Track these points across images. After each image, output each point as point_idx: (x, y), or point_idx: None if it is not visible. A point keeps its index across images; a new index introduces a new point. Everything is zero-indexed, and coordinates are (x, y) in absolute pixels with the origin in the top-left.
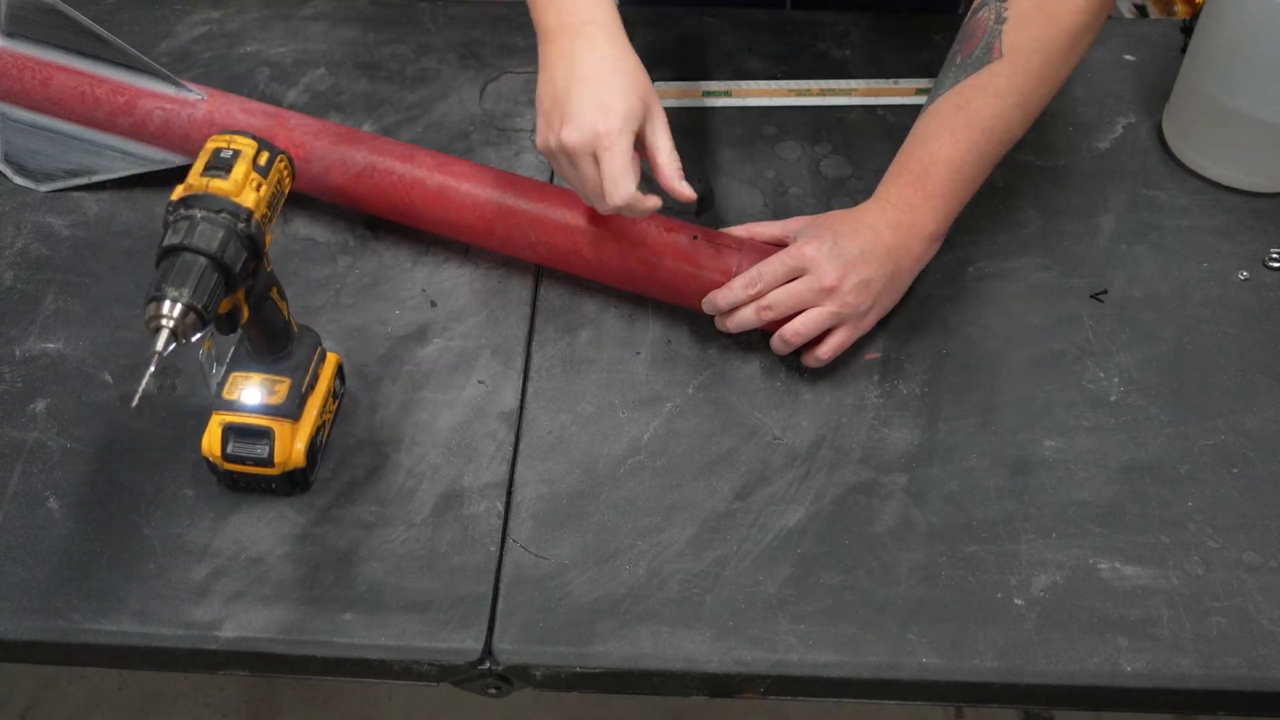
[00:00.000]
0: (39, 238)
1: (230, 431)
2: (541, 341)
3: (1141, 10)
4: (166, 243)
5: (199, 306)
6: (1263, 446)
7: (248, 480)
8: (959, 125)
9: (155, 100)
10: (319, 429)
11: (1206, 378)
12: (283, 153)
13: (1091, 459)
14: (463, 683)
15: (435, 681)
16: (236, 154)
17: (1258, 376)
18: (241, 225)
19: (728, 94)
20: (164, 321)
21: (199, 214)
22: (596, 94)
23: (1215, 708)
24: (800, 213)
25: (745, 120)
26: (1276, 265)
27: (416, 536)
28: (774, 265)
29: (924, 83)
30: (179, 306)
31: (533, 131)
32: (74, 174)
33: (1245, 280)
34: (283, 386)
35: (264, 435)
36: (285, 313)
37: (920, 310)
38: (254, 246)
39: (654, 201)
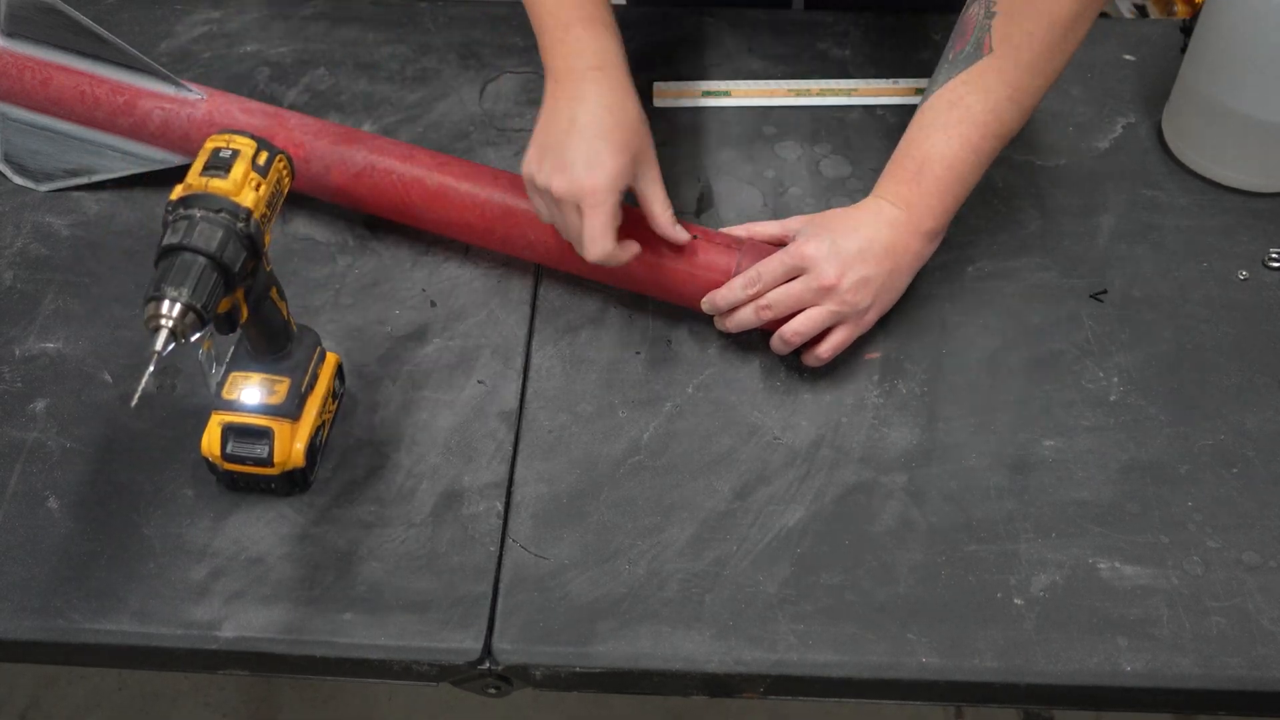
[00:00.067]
0: (39, 237)
1: (230, 431)
2: (541, 341)
3: (1141, 10)
4: (165, 242)
5: (198, 306)
6: (1262, 446)
7: (247, 480)
8: (952, 122)
9: (155, 100)
10: (319, 429)
11: (1206, 378)
12: (282, 152)
13: (1091, 459)
14: (462, 683)
15: (435, 681)
16: (235, 153)
17: (1258, 376)
18: (241, 225)
19: (727, 94)
20: (163, 321)
21: (198, 213)
22: (593, 148)
23: (1215, 707)
24: (800, 213)
25: (745, 120)
26: (1276, 265)
27: (416, 536)
28: (773, 265)
29: (924, 83)
30: (178, 306)
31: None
32: (74, 174)
33: (1245, 280)
34: (282, 386)
35: (263, 435)
36: (285, 312)
37: (920, 310)
38: (253, 246)
39: (631, 252)
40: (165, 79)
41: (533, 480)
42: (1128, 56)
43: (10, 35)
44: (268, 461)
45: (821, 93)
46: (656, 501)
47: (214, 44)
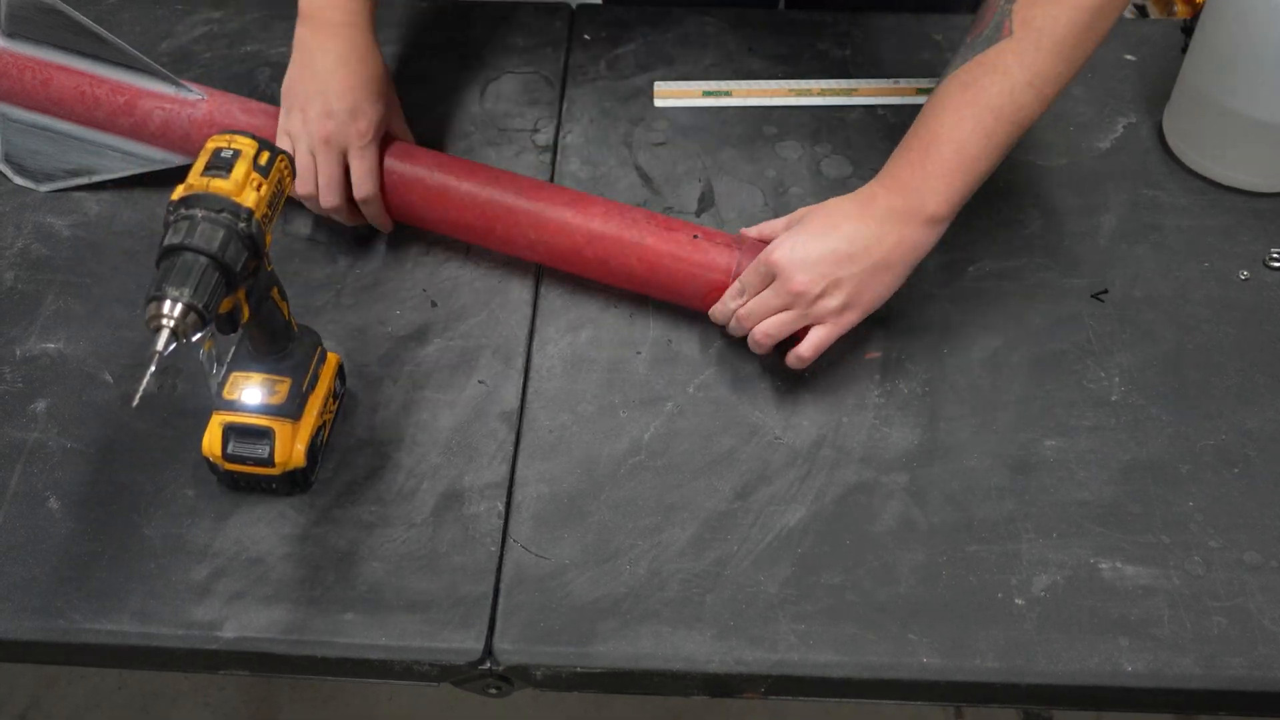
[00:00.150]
0: (39, 238)
1: (231, 431)
2: (542, 341)
3: (1141, 10)
4: (167, 242)
5: (199, 306)
6: (1263, 446)
7: (248, 480)
8: (964, 104)
9: (155, 100)
10: (319, 429)
11: (1207, 377)
12: (284, 152)
13: (1092, 459)
14: (463, 683)
15: (436, 681)
16: (237, 154)
17: (1258, 376)
18: (242, 225)
19: (728, 94)
20: (164, 321)
21: (199, 214)
22: (356, 96)
23: (1216, 708)
24: None
25: (746, 120)
26: (1277, 265)
27: (417, 536)
28: (750, 274)
29: (925, 83)
30: (179, 306)
31: (534, 131)
32: (74, 174)
33: (1246, 280)
34: (283, 386)
35: (264, 435)
36: (286, 312)
37: (921, 310)
38: (254, 246)
39: (379, 202)
40: (166, 79)
41: (533, 480)
42: (1128, 56)
43: (10, 35)
44: (269, 462)
45: (822, 93)
46: (657, 501)
47: (214, 44)
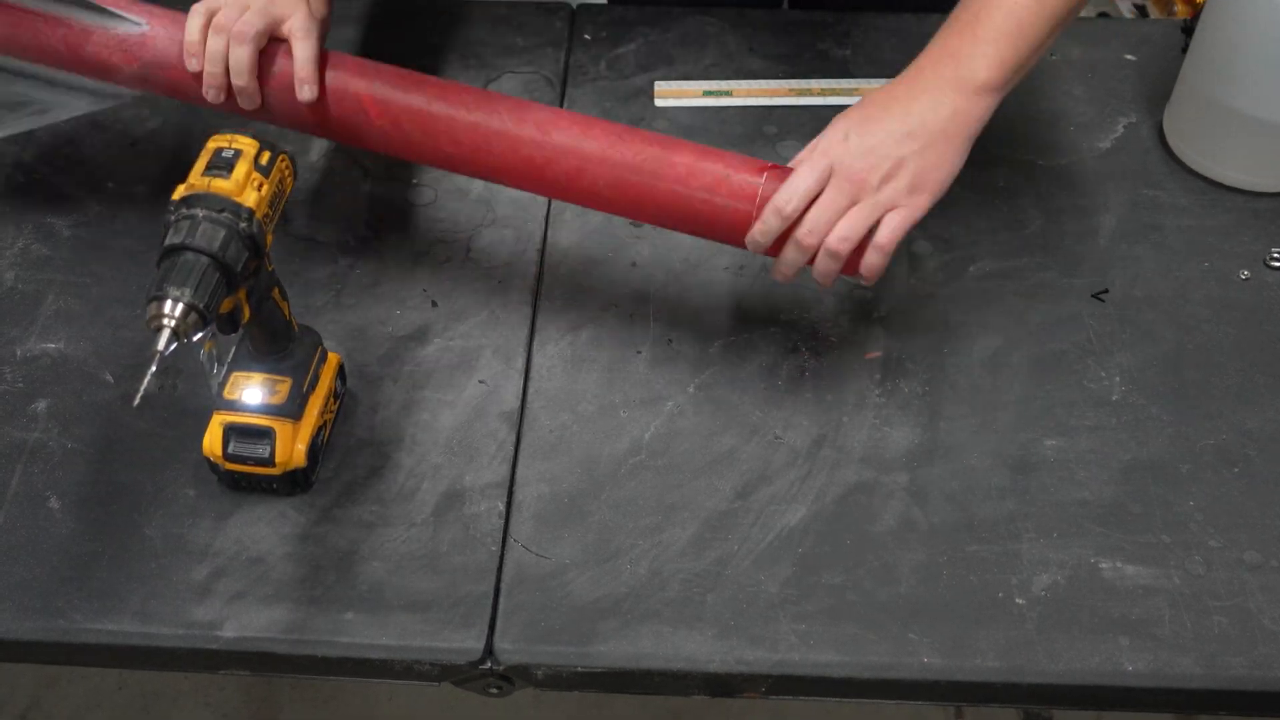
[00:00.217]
0: (40, 237)
1: (231, 431)
2: (542, 341)
3: (1142, 10)
4: (168, 242)
5: (200, 306)
6: (1264, 446)
7: (249, 480)
8: None
9: (97, 33)
10: (320, 429)
11: (1207, 377)
12: (285, 151)
13: (1093, 458)
14: (464, 682)
15: (436, 681)
16: (238, 153)
17: (1258, 376)
18: (243, 225)
19: (729, 93)
20: (165, 321)
21: (200, 213)
22: None
23: (1216, 707)
24: None
25: (746, 119)
26: (1277, 265)
27: (417, 536)
28: (800, 177)
29: None
30: (180, 306)
31: None
32: (23, 115)
33: (1246, 280)
34: (284, 386)
35: (265, 435)
36: (286, 312)
37: (922, 310)
38: (255, 246)
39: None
40: (103, 12)
41: (534, 480)
42: (1129, 56)
43: None
44: (269, 461)
45: (823, 92)
46: (658, 501)
47: None
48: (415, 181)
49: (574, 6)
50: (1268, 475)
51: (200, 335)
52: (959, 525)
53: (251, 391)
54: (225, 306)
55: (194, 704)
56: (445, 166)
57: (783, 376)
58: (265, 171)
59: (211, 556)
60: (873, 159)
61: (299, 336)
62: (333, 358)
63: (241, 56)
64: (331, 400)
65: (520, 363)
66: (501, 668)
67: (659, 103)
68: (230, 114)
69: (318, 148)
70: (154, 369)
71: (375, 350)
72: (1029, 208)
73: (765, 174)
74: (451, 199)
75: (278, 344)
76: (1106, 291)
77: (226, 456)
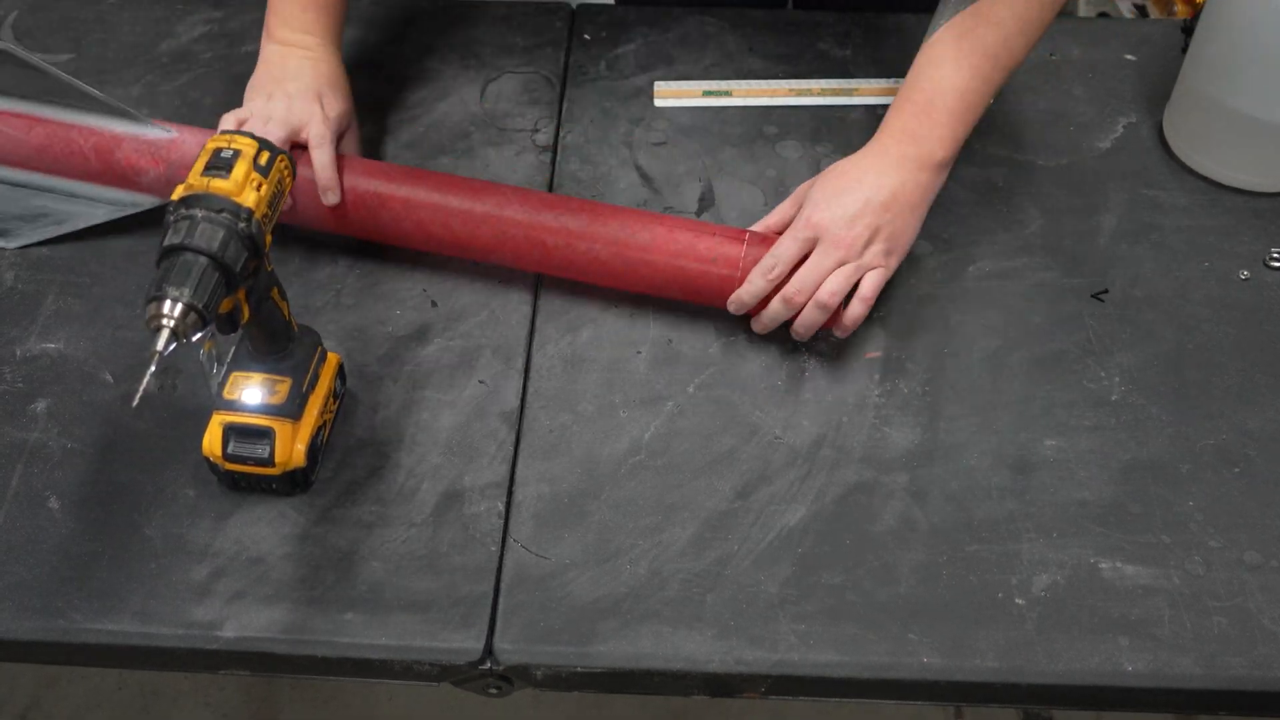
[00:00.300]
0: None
1: (231, 431)
2: (542, 341)
3: (1141, 10)
4: (167, 242)
5: (199, 306)
6: (1264, 446)
7: (248, 480)
8: (963, 53)
9: (125, 142)
10: (320, 429)
11: (1207, 377)
12: (284, 152)
13: (1092, 458)
14: (463, 683)
15: (436, 681)
16: (237, 153)
17: (1258, 376)
18: (242, 225)
19: (728, 94)
20: (164, 321)
21: (199, 214)
22: (314, 92)
23: (1216, 708)
24: None
25: (746, 120)
26: (1277, 265)
27: (417, 536)
28: (786, 245)
29: None
30: (179, 306)
31: (534, 131)
32: (43, 226)
33: (1246, 280)
34: (284, 386)
35: (265, 435)
36: (286, 312)
37: (921, 310)
38: (254, 246)
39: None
40: (133, 119)
41: (534, 480)
42: (1129, 56)
43: None
44: (269, 461)
45: (822, 92)
46: (658, 501)
47: (215, 44)
48: None
49: (574, 6)
50: (1268, 475)
51: (200, 335)
52: (959, 525)
53: (251, 391)
54: (224, 306)
55: (194, 704)
56: (450, 252)
57: (783, 376)
58: (264, 171)
59: (211, 556)
60: (857, 227)
61: (298, 336)
62: (332, 358)
63: None
64: (331, 400)
65: (520, 363)
66: (501, 668)
67: (659, 103)
68: None
69: None
70: (153, 369)
71: (375, 350)
72: (1029, 208)
73: (745, 243)
74: None
75: (277, 344)
76: (1106, 291)
77: (226, 456)
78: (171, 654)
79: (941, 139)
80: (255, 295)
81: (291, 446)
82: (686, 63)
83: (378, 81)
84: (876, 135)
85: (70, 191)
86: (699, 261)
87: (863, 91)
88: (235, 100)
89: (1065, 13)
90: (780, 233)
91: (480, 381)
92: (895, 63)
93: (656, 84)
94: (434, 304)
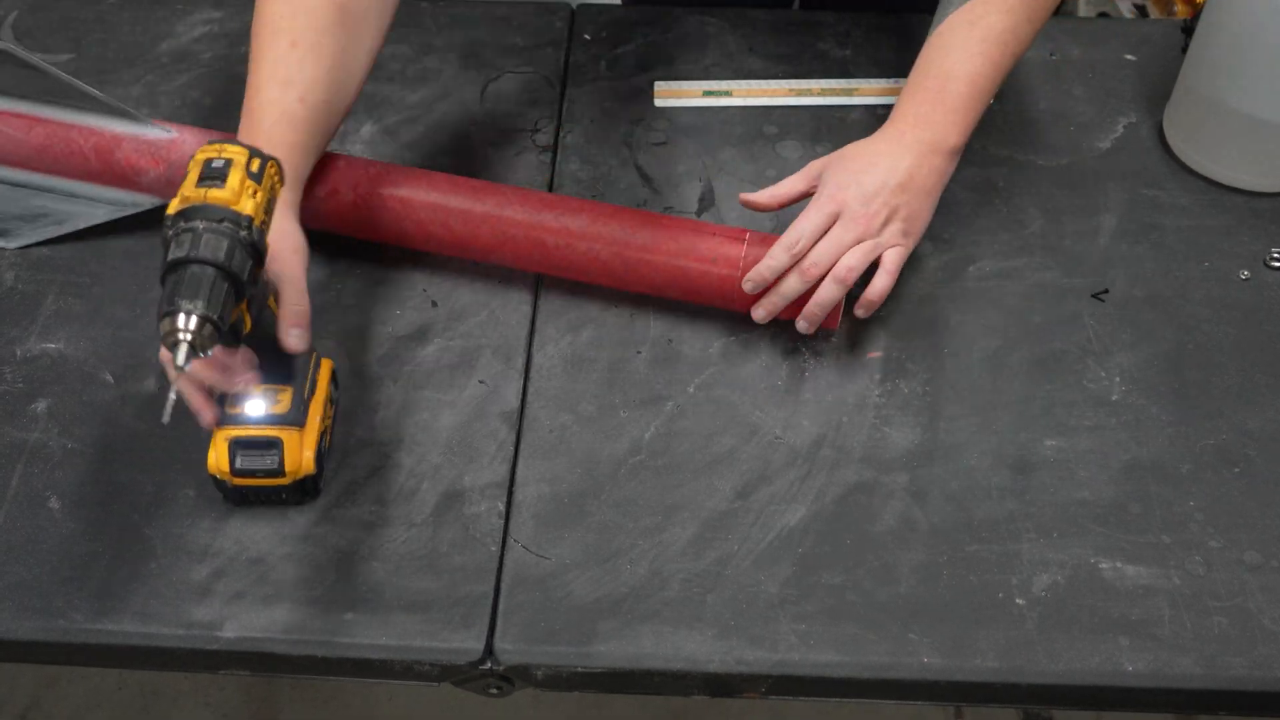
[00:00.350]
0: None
1: (237, 446)
2: (542, 341)
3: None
4: (172, 257)
5: (214, 317)
6: (1264, 446)
7: (257, 493)
8: (974, 40)
9: (126, 142)
10: (323, 434)
11: (1208, 377)
12: (272, 158)
13: (1093, 458)
14: (463, 683)
15: (436, 681)
16: (229, 162)
17: (1259, 376)
18: (244, 233)
19: (728, 94)
20: (182, 336)
21: (200, 225)
22: (286, 229)
23: (1216, 708)
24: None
25: (746, 120)
26: (1277, 265)
27: (417, 536)
28: (809, 220)
29: None
30: (194, 319)
31: (534, 131)
32: (44, 226)
33: (1246, 280)
34: (285, 395)
35: (272, 445)
36: None
37: (921, 310)
38: (257, 254)
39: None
40: (133, 119)
41: (534, 480)
42: (1129, 56)
43: None
44: (279, 471)
45: (822, 92)
46: (658, 501)
47: (215, 44)
48: None
49: (574, 6)
50: (1268, 475)
51: (213, 348)
52: (959, 525)
53: (254, 403)
54: (232, 317)
55: (194, 704)
56: (466, 255)
57: (783, 376)
58: (258, 178)
59: (211, 557)
60: (875, 204)
61: None
62: (326, 363)
63: None
64: (329, 405)
65: (520, 362)
66: (501, 668)
67: (659, 103)
68: None
69: None
70: (174, 391)
71: (375, 350)
72: (1029, 208)
73: (745, 243)
74: None
75: (276, 352)
76: (1106, 291)
77: (235, 471)
78: (171, 654)
79: (954, 124)
80: (255, 304)
81: (300, 454)
82: (686, 63)
83: (379, 82)
84: (890, 120)
85: (70, 191)
86: (699, 261)
87: (863, 91)
88: (235, 100)
89: (1065, 12)
90: (790, 198)
91: (480, 381)
92: (895, 63)
93: (656, 84)
94: (434, 304)
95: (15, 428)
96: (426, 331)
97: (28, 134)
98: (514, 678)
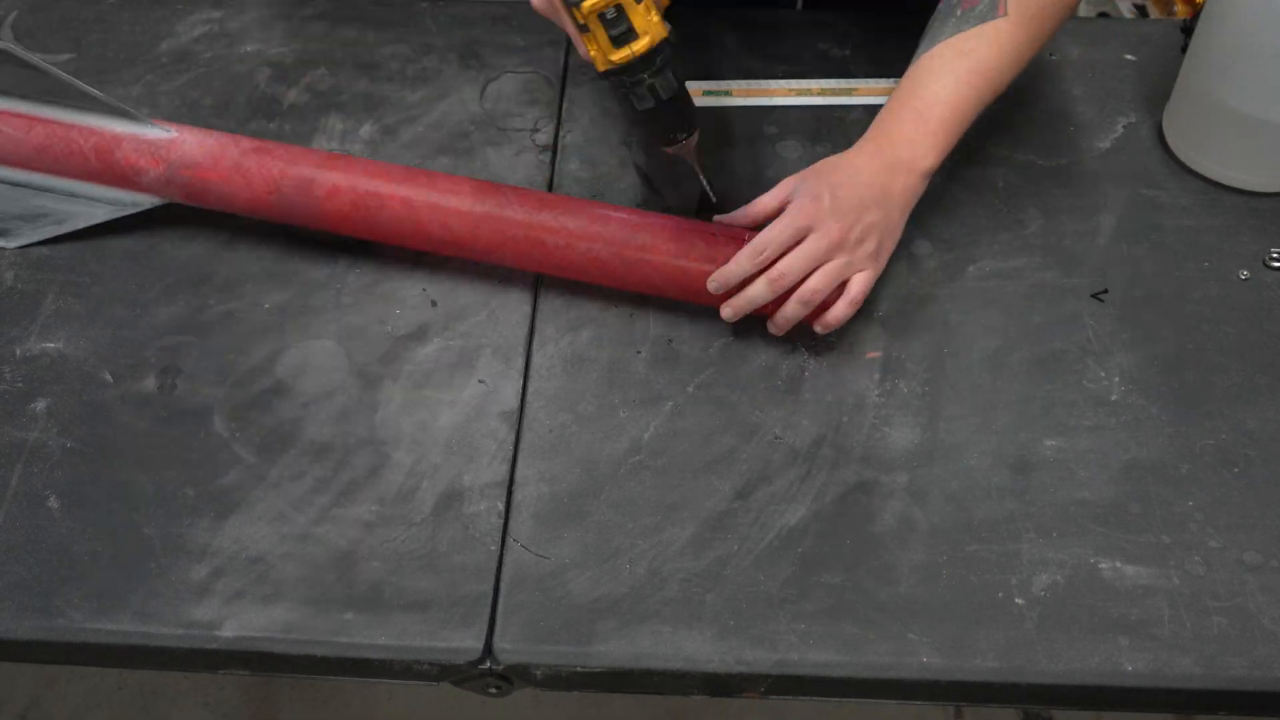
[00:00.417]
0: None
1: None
2: (542, 341)
3: (1141, 10)
4: (643, 107)
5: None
6: (1264, 446)
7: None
8: (962, 70)
9: (125, 141)
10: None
11: (1207, 377)
12: None
13: (1092, 458)
14: (463, 682)
15: (435, 681)
16: (620, 8)
17: (1258, 376)
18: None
19: (728, 93)
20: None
21: (645, 78)
22: None
23: (1216, 708)
24: None
25: (746, 119)
26: (1277, 265)
27: (417, 536)
28: (778, 231)
29: None
30: (694, 138)
31: (534, 131)
32: (43, 226)
33: (1246, 280)
34: None
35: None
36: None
37: (921, 310)
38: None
39: None
40: (132, 118)
41: (533, 480)
42: (1128, 56)
43: None
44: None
45: (822, 92)
46: (657, 501)
47: (215, 44)
48: None
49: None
50: (1268, 475)
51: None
52: (959, 525)
53: None
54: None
55: (193, 704)
56: (457, 254)
57: (783, 376)
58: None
59: (210, 556)
60: (849, 221)
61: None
62: None
63: None
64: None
65: (520, 362)
66: (501, 668)
67: None
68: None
69: None
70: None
71: (375, 350)
72: (1029, 208)
73: (745, 243)
74: None
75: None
76: (1106, 291)
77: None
78: (171, 654)
79: (933, 147)
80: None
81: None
82: (686, 63)
83: (378, 81)
84: (868, 136)
85: (70, 191)
86: (699, 261)
87: (863, 91)
88: (235, 100)
89: None
90: (759, 227)
91: (480, 381)
92: (895, 63)
93: None
94: (434, 304)
95: (15, 427)
96: (426, 331)
97: (28, 134)
98: (513, 677)
